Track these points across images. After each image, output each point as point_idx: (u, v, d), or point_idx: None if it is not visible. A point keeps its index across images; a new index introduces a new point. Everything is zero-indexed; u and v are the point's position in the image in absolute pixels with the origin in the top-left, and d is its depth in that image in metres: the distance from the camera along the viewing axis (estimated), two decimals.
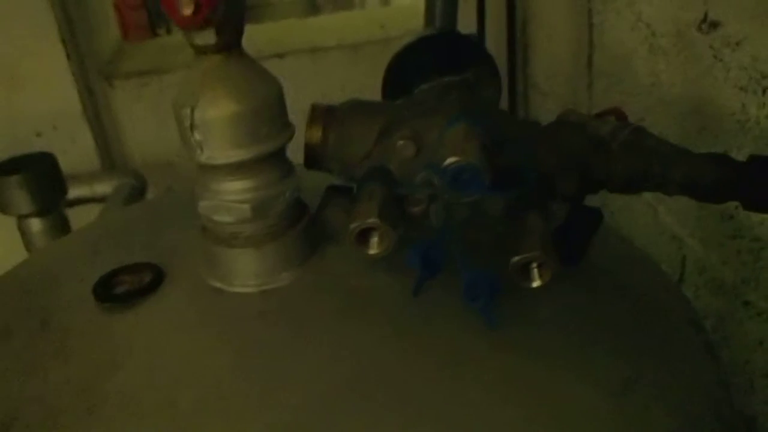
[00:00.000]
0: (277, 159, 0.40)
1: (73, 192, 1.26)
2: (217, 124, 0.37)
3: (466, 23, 1.26)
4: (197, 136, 0.37)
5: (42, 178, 0.78)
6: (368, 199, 0.39)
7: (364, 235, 0.38)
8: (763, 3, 0.62)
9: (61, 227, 0.86)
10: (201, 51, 0.37)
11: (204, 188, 0.40)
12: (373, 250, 0.38)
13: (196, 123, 0.37)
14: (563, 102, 1.26)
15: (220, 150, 0.38)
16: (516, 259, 0.36)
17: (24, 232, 0.80)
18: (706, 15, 0.72)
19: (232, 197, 0.39)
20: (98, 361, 0.38)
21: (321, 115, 0.43)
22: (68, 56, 1.20)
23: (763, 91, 0.64)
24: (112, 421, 0.34)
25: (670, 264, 0.90)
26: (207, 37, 0.35)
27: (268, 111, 0.38)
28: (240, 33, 0.37)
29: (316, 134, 0.43)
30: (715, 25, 0.71)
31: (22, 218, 0.80)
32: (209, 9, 0.32)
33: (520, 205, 0.39)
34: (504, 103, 1.35)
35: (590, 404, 0.35)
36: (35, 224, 0.80)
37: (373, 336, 0.38)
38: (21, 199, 0.78)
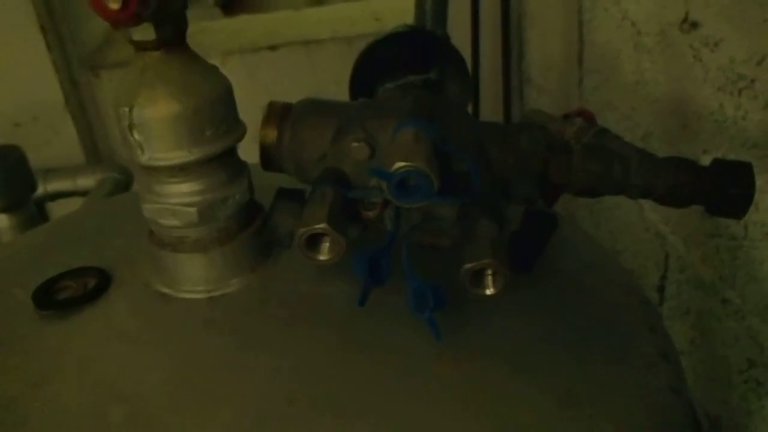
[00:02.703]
0: (225, 160, 0.39)
1: (56, 185, 1.24)
2: (157, 124, 0.35)
3: (461, 19, 1.24)
4: (137, 136, 0.36)
5: (8, 173, 0.75)
6: (319, 203, 0.37)
7: (313, 241, 0.37)
8: (739, 4, 0.61)
9: (32, 223, 0.85)
10: (140, 47, 0.35)
11: (148, 191, 0.39)
12: (323, 257, 0.37)
13: (134, 122, 0.35)
14: (557, 98, 1.25)
15: (161, 151, 0.36)
16: (468, 266, 0.35)
17: None
18: (687, 15, 0.71)
19: (177, 200, 0.38)
20: (28, 374, 0.36)
21: (276, 114, 0.42)
22: (48, 46, 1.18)
23: (740, 92, 0.62)
24: None
25: (655, 261, 0.90)
26: (145, 33, 0.34)
27: (212, 111, 0.37)
28: (182, 27, 0.36)
29: (271, 134, 0.42)
30: (695, 25, 0.70)
31: None
32: (139, 3, 0.30)
33: (473, 210, 0.37)
34: (498, 98, 1.33)
35: (534, 414, 0.34)
36: (3, 220, 0.78)
37: (319, 348, 0.37)
38: None
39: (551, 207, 0.46)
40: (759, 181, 0.41)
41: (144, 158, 0.36)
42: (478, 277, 0.36)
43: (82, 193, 1.22)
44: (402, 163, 0.34)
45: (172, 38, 0.35)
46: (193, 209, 0.38)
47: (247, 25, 1.46)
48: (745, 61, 0.61)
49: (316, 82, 1.34)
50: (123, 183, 1.23)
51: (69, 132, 1.27)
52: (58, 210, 1.20)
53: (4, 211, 0.77)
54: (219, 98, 0.37)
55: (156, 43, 0.34)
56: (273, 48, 1.36)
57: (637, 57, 0.87)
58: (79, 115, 1.30)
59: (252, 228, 0.41)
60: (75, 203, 1.15)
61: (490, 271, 0.36)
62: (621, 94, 0.94)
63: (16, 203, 0.77)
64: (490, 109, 1.38)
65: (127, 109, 0.35)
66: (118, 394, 0.35)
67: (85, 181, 1.26)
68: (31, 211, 0.80)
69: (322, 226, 0.36)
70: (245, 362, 0.36)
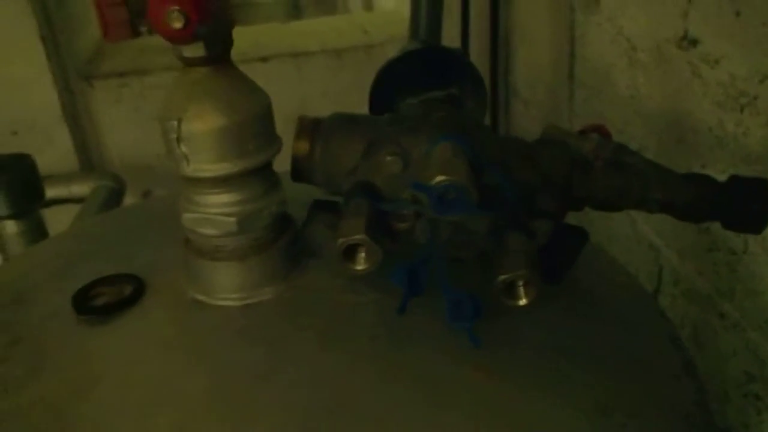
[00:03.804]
0: (263, 172, 0.40)
1: (50, 192, 1.24)
2: (204, 137, 0.36)
3: (450, 33, 1.26)
4: (183, 148, 0.37)
5: (19, 181, 0.76)
6: (355, 214, 0.38)
7: (350, 251, 0.38)
8: (741, 23, 0.63)
9: (37, 230, 0.85)
10: (189, 63, 0.36)
11: (188, 201, 0.39)
12: (359, 266, 0.38)
13: (182, 136, 0.36)
14: (545, 111, 1.27)
15: (206, 163, 0.37)
16: (502, 277, 0.36)
17: None
18: (686, 32, 0.74)
19: (217, 210, 0.39)
20: (73, 379, 0.37)
21: (308, 127, 0.43)
22: (48, 56, 1.18)
23: (741, 109, 0.65)
24: None
25: (648, 274, 0.91)
26: (196, 50, 0.35)
27: (256, 125, 0.38)
28: (228, 45, 0.37)
29: (304, 147, 0.43)
30: (694, 42, 0.72)
31: None
32: (199, 23, 0.31)
33: (503, 223, 0.39)
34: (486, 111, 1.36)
35: (568, 425, 0.35)
36: (10, 227, 0.78)
37: (354, 358, 0.38)
38: None
39: (561, 220, 0.47)
40: None
41: (189, 169, 0.37)
42: (510, 288, 0.37)
43: (76, 200, 1.22)
44: (442, 177, 0.35)
45: (221, 54, 0.36)
46: (232, 219, 0.39)
47: (237, 36, 1.47)
48: (747, 78, 0.63)
49: (306, 93, 1.36)
50: (116, 190, 1.24)
51: (64, 140, 1.28)
52: (50, 216, 1.19)
53: (13, 218, 0.77)
54: (261, 113, 0.38)
55: (206, 59, 0.35)
56: (264, 59, 1.38)
57: (631, 72, 0.89)
58: (73, 123, 1.30)
59: (285, 238, 0.42)
60: (68, 210, 1.14)
61: (521, 283, 0.37)
62: (614, 109, 0.96)
63: (25, 210, 0.78)
64: None
65: (175, 123, 0.36)
66: (163, 400, 0.35)
67: (80, 189, 1.26)
68: (38, 219, 0.81)
69: (360, 236, 0.37)
70: (283, 371, 0.37)
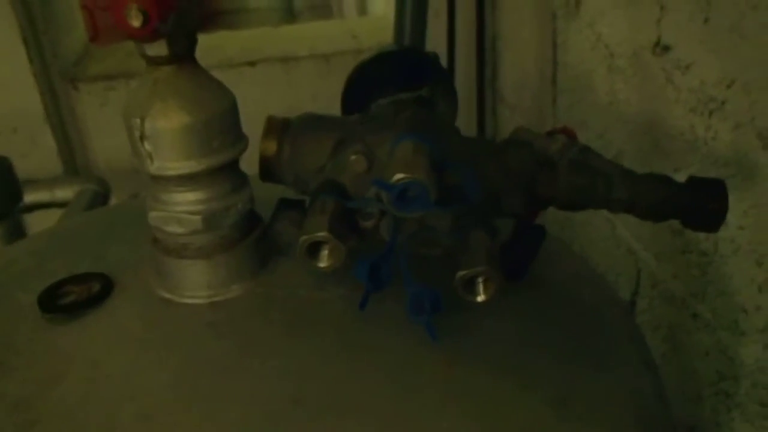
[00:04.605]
0: (229, 171, 0.41)
1: (33, 196, 1.24)
2: (168, 135, 0.37)
3: (437, 39, 1.28)
4: (147, 146, 0.37)
5: None
6: (319, 212, 0.39)
7: (314, 248, 0.39)
8: (710, 30, 0.64)
9: (16, 233, 0.85)
10: (152, 62, 0.37)
11: (155, 199, 0.40)
12: (323, 264, 0.39)
13: (146, 133, 0.37)
14: (530, 116, 1.28)
15: (170, 161, 0.38)
16: (461, 273, 0.37)
17: None
18: (659, 38, 0.75)
19: (183, 208, 0.39)
20: (38, 375, 0.37)
21: (276, 127, 0.44)
22: (30, 58, 1.18)
23: (710, 114, 0.66)
24: None
25: (627, 277, 0.93)
26: (158, 49, 0.36)
27: (220, 123, 0.38)
28: (193, 44, 0.37)
29: (271, 147, 0.43)
30: (667, 48, 0.73)
31: None
32: (158, 21, 0.32)
33: (466, 221, 0.39)
34: (472, 116, 1.37)
35: (529, 417, 0.35)
36: None
37: (320, 351, 0.38)
38: None
39: (532, 221, 0.48)
40: (729, 199, 0.44)
41: (153, 167, 0.38)
42: (470, 284, 0.38)
43: (60, 205, 1.21)
44: (402, 175, 0.36)
45: (185, 53, 0.37)
46: (197, 217, 0.39)
47: (226, 41, 1.48)
48: (716, 84, 0.64)
49: (294, 98, 1.37)
50: (101, 194, 1.23)
51: (48, 143, 1.28)
52: (34, 222, 1.19)
53: None
54: (226, 111, 0.39)
55: (169, 58, 0.36)
56: (251, 64, 1.38)
57: (610, 78, 0.90)
58: (57, 127, 1.30)
59: (252, 236, 0.42)
60: (52, 215, 1.14)
61: (481, 279, 0.38)
62: (594, 114, 0.98)
63: (2, 213, 0.77)
64: (464, 127, 1.42)
65: (138, 120, 0.36)
66: (128, 395, 0.36)
67: (63, 193, 1.25)
68: (17, 222, 0.81)
69: (323, 234, 0.37)
70: (250, 364, 0.37)
